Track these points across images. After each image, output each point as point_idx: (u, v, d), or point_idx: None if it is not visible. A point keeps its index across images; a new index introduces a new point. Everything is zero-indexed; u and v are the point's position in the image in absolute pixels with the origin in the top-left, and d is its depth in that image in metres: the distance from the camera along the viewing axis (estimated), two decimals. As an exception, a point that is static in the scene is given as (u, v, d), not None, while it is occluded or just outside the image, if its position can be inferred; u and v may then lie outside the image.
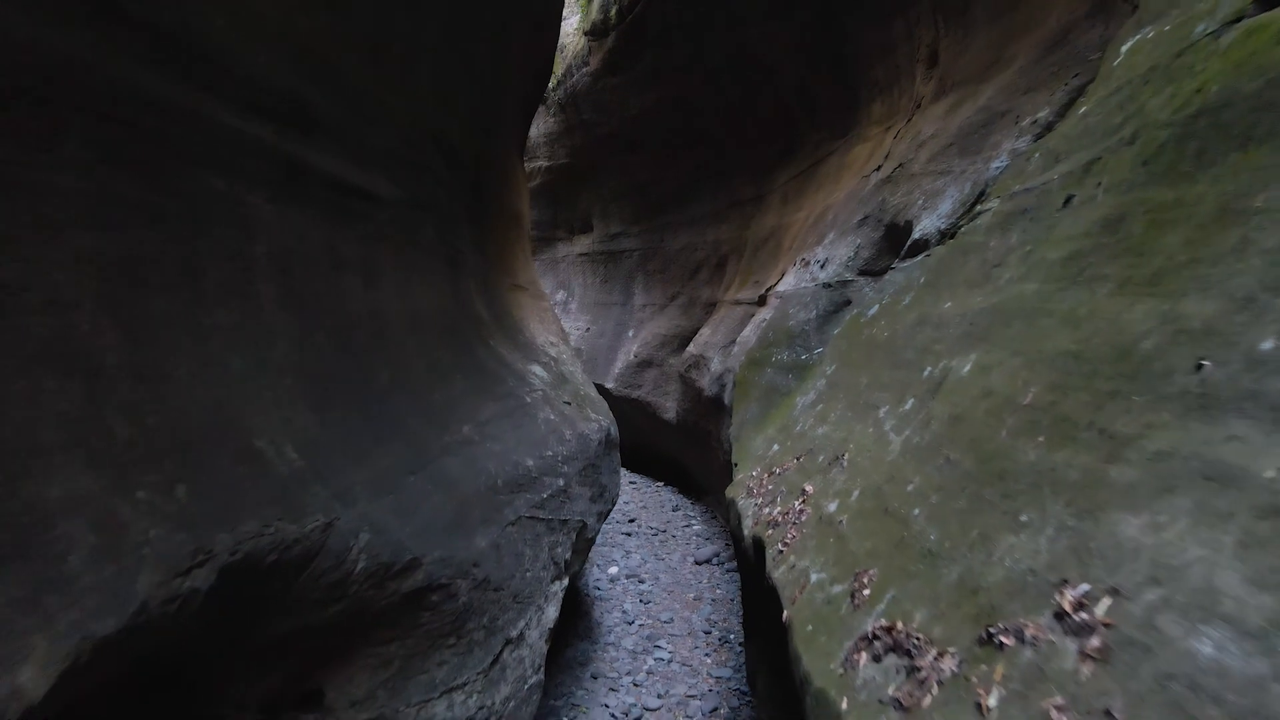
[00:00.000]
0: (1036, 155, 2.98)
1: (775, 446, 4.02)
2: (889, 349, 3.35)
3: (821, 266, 5.59)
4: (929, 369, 2.68)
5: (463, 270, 4.36)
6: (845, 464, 2.92)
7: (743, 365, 6.33)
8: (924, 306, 3.22)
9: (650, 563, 7.96)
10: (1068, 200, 2.32)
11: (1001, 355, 2.13)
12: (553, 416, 4.02)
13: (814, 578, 2.42)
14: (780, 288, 6.69)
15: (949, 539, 1.80)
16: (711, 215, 10.04)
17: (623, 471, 12.08)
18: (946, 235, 3.70)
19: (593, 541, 4.62)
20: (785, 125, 7.91)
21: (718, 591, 7.08)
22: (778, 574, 2.73)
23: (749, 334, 7.15)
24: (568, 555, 3.72)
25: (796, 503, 3.09)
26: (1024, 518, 1.57)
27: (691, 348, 9.25)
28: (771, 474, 3.73)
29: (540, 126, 12.42)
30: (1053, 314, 1.99)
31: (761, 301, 7.52)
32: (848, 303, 4.85)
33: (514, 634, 2.99)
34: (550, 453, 3.71)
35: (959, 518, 1.82)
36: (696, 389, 8.77)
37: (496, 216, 5.52)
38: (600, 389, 11.92)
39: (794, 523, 2.98)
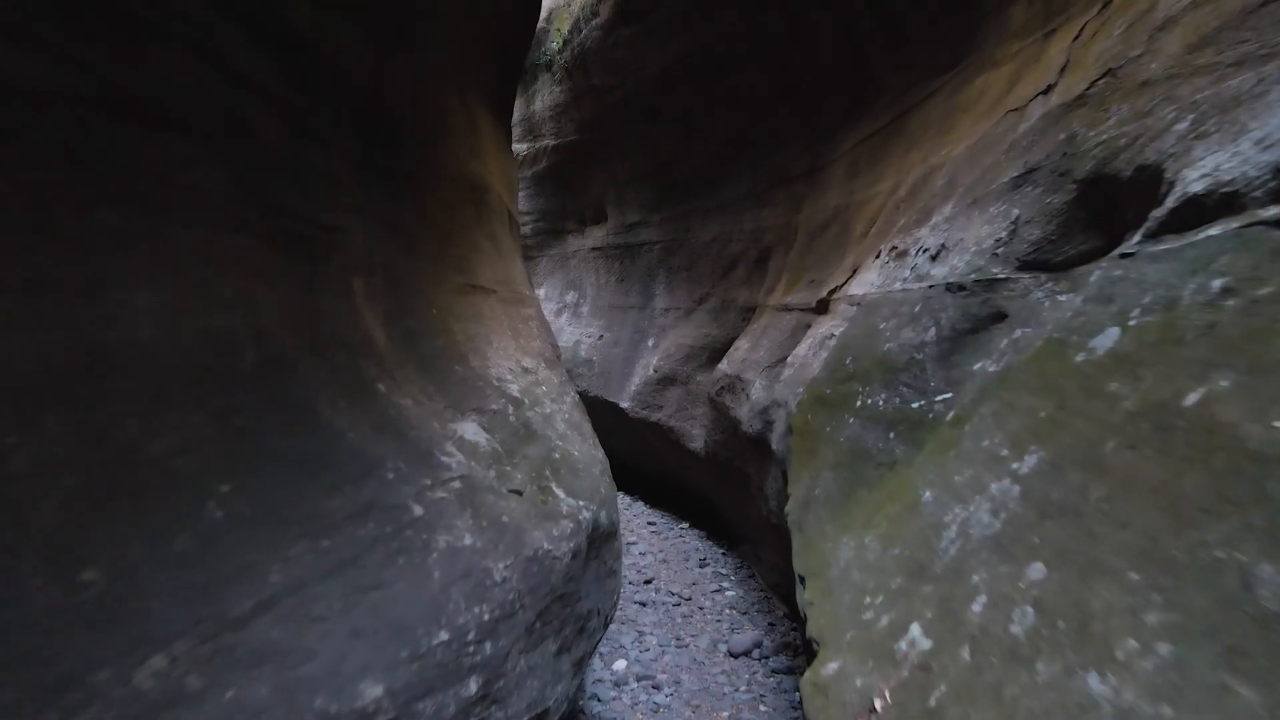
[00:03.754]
0: None
1: (895, 609, 2.05)
2: (1206, 451, 1.37)
3: (933, 257, 3.57)
4: None
5: (334, 261, 2.50)
6: None
7: (803, 403, 4.34)
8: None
9: (670, 653, 6.02)
10: None
11: None
12: (470, 541, 2.13)
13: None
14: (854, 289, 4.68)
15: None
16: (750, 197, 8.03)
17: (641, 509, 10.19)
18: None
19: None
20: (853, 68, 5.87)
21: (762, 708, 5.12)
22: None
23: (807, 354, 5.16)
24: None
25: None
26: None
27: (724, 365, 7.28)
28: (901, 685, 1.78)
29: (545, 99, 10.58)
30: None
31: (822, 308, 5.51)
32: (1000, 316, 2.83)
33: None
34: (446, 635, 1.82)
35: None
36: (731, 420, 6.80)
37: (433, 183, 3.66)
38: (614, 409, 10.04)
39: None
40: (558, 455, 3.38)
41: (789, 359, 5.68)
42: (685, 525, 9.27)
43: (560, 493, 2.98)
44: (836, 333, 4.59)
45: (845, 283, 5.18)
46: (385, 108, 3.06)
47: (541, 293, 12.91)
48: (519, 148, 11.78)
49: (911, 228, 4.10)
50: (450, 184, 3.86)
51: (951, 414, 2.78)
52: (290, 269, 2.21)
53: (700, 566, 7.85)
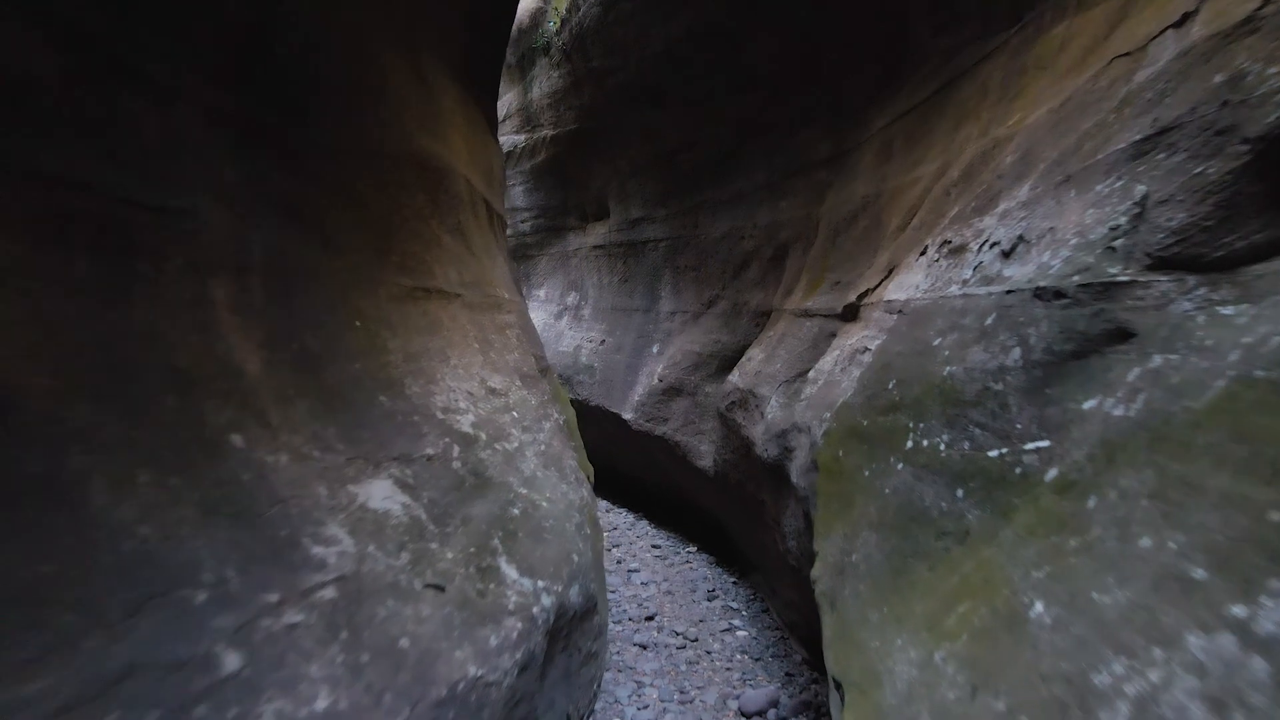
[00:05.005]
0: None
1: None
2: None
3: (1006, 254, 2.75)
4: None
5: (173, 258, 1.74)
6: None
7: (832, 434, 3.53)
8: None
9: (672, 711, 5.23)
10: None
11: None
12: (326, 702, 1.34)
13: None
14: (892, 294, 3.86)
15: None
16: (765, 189, 7.21)
17: (645, 529, 9.40)
18: None
19: None
20: (885, 34, 5.04)
21: (778, 787, 4.30)
22: None
23: (833, 369, 4.34)
24: None
25: None
26: None
27: (735, 377, 6.47)
28: None
29: (543, 86, 9.83)
30: None
31: (850, 315, 4.69)
32: (1122, 335, 2.01)
33: None
34: None
35: None
36: (743, 439, 6.00)
37: (363, 161, 2.89)
38: (616, 420, 9.27)
39: None
40: (517, 511, 2.61)
41: (810, 374, 4.86)
42: (693, 549, 8.47)
43: (511, 571, 2.20)
44: (871, 346, 3.77)
45: (879, 285, 4.36)
46: (283, 57, 2.30)
47: (542, 294, 12.17)
48: (517, 139, 11.05)
49: (970, 217, 3.27)
50: (392, 164, 3.09)
51: (1054, 473, 1.97)
52: (74, 269, 1.46)
53: (709, 600, 7.05)
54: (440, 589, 1.85)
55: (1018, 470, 2.13)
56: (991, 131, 3.49)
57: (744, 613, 6.82)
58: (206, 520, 1.45)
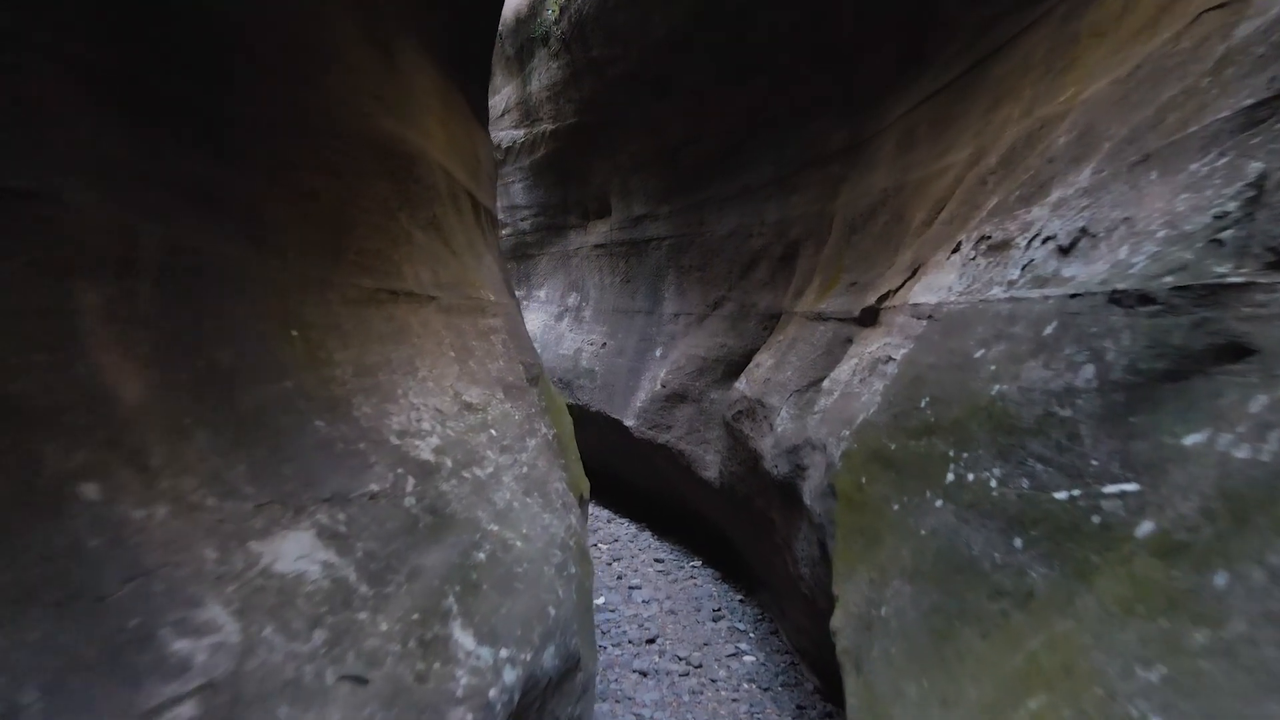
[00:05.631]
0: None
1: None
2: None
3: (1064, 250, 2.31)
4: None
5: (18, 253, 1.34)
6: None
7: (852, 456, 3.10)
8: None
9: (672, 750, 4.80)
10: None
11: None
12: None
13: None
14: (919, 296, 3.43)
15: None
16: (774, 183, 6.78)
17: (648, 540, 8.98)
18: None
19: None
20: (907, 10, 4.59)
21: (789, 843, 3.85)
22: None
23: (851, 379, 3.90)
24: None
25: None
26: None
27: (743, 385, 6.04)
28: None
29: (542, 78, 9.44)
30: None
31: (869, 319, 4.26)
32: (1237, 352, 1.58)
33: None
34: None
35: None
36: (750, 452, 5.58)
37: (309, 141, 2.50)
38: (617, 426, 8.86)
39: None
40: (483, 555, 2.20)
41: (825, 383, 4.43)
42: (697, 564, 8.05)
43: (466, 640, 1.79)
44: (896, 355, 3.34)
45: (901, 286, 3.93)
46: (186, 5, 1.90)
47: (542, 294, 11.79)
48: (516, 134, 10.67)
49: (1014, 208, 2.83)
50: (347, 147, 2.70)
51: (1150, 528, 1.53)
52: None
53: (714, 620, 6.62)
54: (361, 681, 1.44)
55: (1095, 519, 1.70)
56: (1037, 110, 3.04)
57: (751, 635, 6.40)
58: (13, 613, 1.05)
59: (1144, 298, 1.81)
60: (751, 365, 6.14)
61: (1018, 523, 1.91)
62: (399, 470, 2.18)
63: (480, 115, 5.49)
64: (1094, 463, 1.78)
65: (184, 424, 1.62)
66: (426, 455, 2.38)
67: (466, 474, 2.57)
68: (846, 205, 5.36)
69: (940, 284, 3.25)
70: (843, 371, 4.17)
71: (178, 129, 1.86)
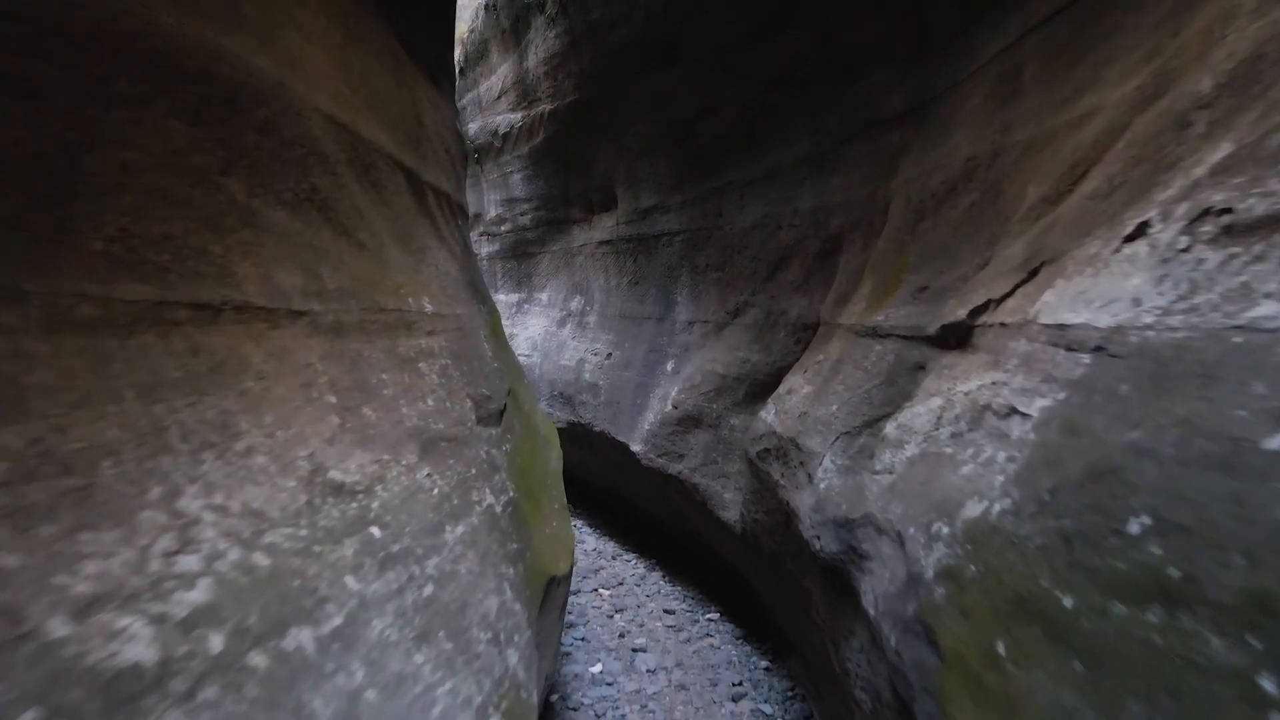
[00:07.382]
0: None
1: None
2: None
3: None
4: None
5: None
6: None
7: (968, 587, 1.81)
8: None
9: None
10: None
11: None
12: None
13: None
14: (1066, 313, 2.14)
15: None
16: (809, 162, 5.50)
17: (657, 584, 7.75)
18: None
19: None
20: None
21: None
22: None
23: (937, 430, 2.63)
24: None
25: None
26: None
27: (770, 415, 4.79)
28: None
29: (539, 50, 8.27)
30: None
31: (958, 339, 2.99)
32: None
33: None
34: None
35: None
36: (781, 504, 4.32)
37: (67, 52, 1.32)
38: (624, 449, 7.66)
39: None
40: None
41: (889, 429, 3.15)
42: (714, 615, 6.80)
43: None
44: (1029, 409, 2.07)
45: (1012, 293, 2.65)
46: None
47: (544, 297, 10.62)
48: (513, 118, 9.52)
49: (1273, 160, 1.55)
50: (86, 52, 1.53)
51: None
52: None
53: (733, 700, 5.38)
54: None
55: None
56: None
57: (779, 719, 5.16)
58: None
59: None
60: (782, 390, 4.88)
61: None
62: (60, 700, 1.00)
63: (436, 77, 4.33)
64: None
65: None
66: (140, 650, 1.19)
67: (272, 645, 1.39)
68: (910, 184, 4.07)
69: (1103, 293, 1.98)
70: (919, 416, 2.90)
71: None
